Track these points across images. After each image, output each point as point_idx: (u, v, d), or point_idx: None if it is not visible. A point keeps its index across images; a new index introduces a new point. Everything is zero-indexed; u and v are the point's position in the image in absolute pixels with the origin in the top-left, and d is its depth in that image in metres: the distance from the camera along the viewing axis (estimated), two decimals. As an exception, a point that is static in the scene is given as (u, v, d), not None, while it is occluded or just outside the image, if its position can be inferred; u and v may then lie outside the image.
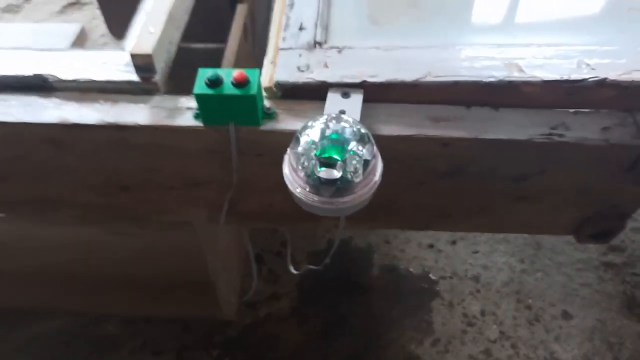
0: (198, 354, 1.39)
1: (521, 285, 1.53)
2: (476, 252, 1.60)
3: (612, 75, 0.76)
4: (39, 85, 0.84)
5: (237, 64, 1.26)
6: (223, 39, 1.82)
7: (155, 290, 1.32)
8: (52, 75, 0.83)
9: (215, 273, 1.21)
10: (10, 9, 2.44)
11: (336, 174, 0.64)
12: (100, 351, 1.39)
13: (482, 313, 1.48)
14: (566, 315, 1.47)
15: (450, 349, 1.41)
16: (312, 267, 1.05)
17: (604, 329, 1.44)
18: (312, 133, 0.66)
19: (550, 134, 0.76)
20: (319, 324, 1.45)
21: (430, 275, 1.56)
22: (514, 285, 1.53)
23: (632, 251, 1.58)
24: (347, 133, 0.66)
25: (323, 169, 0.65)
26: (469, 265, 1.58)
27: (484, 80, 0.76)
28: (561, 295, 1.51)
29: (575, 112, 0.78)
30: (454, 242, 1.62)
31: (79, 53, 0.87)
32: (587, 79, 0.75)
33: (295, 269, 1.29)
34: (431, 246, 1.62)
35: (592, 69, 0.76)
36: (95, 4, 2.28)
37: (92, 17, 2.34)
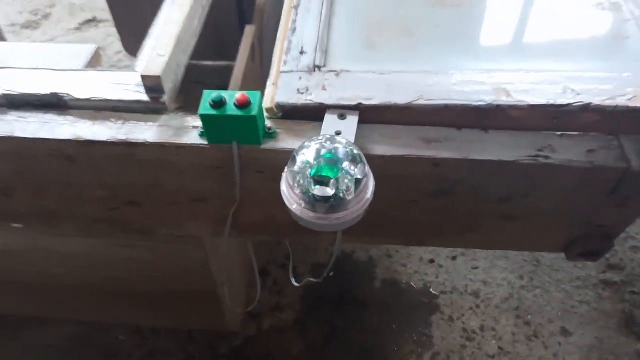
0: (202, 364, 1.43)
1: (520, 302, 1.55)
2: (476, 267, 1.63)
3: (597, 100, 0.79)
4: (54, 103, 0.89)
5: (244, 83, 1.31)
6: (232, 56, 1.88)
7: (162, 301, 1.36)
8: (67, 94, 0.88)
9: (221, 285, 1.25)
10: (29, 25, 2.53)
11: (329, 191, 0.69)
12: (108, 359, 1.43)
13: (482, 328, 1.50)
14: (565, 332, 1.48)
15: (448, 364, 1.43)
16: (312, 280, 1.09)
17: (602, 347, 1.45)
18: (307, 153, 0.70)
19: (537, 156, 0.79)
20: (321, 335, 1.48)
21: (431, 289, 1.58)
22: (513, 301, 1.55)
23: (631, 270, 1.59)
24: (341, 153, 0.70)
25: (317, 187, 0.69)
26: (469, 280, 1.60)
27: (474, 104, 0.80)
28: (560, 312, 1.52)
29: (561, 135, 0.82)
30: (454, 258, 1.65)
31: (93, 73, 0.93)
32: (572, 103, 0.79)
33: (298, 282, 1.33)
34: (432, 261, 1.64)
35: (577, 94, 0.80)
36: (111, 22, 2.37)
37: (108, 35, 2.43)
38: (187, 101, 0.96)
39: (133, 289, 1.31)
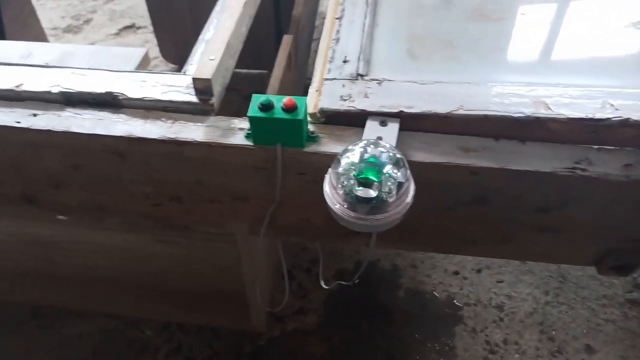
0: (227, 362, 1.46)
1: (545, 317, 1.54)
2: (501, 281, 1.63)
3: (635, 115, 0.81)
4: (109, 102, 0.94)
5: (280, 91, 1.35)
6: (265, 65, 1.94)
7: (192, 299, 1.40)
8: (121, 94, 0.93)
9: (250, 285, 1.28)
10: (71, 29, 2.63)
11: (372, 193, 0.72)
12: (138, 353, 1.47)
13: (505, 342, 1.50)
14: (589, 350, 1.48)
15: (471, 375, 1.44)
16: (342, 282, 1.11)
17: (627, 366, 1.44)
18: (352, 156, 0.74)
19: (574, 168, 0.81)
20: (344, 341, 1.50)
21: (455, 301, 1.59)
22: (537, 316, 1.55)
23: (659, 290, 1.58)
24: (384, 157, 0.73)
25: (360, 188, 0.72)
26: (493, 293, 1.60)
27: (513, 115, 0.83)
28: (585, 329, 1.52)
29: (598, 149, 0.83)
30: (479, 271, 1.66)
31: (145, 75, 0.97)
32: (610, 118, 0.81)
33: (327, 285, 1.35)
34: (457, 273, 1.65)
35: (616, 109, 0.82)
36: (149, 29, 2.45)
37: (145, 41, 2.51)
38: (222, 107, 1.01)
39: (166, 285, 1.35)
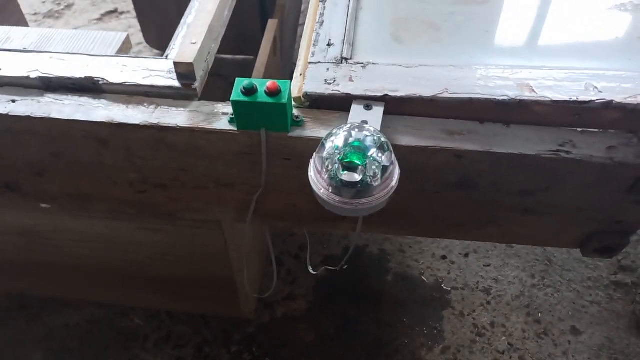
0: (217, 349, 1.46)
1: (531, 300, 1.56)
2: (488, 265, 1.64)
3: (618, 98, 0.81)
4: (89, 87, 0.92)
5: (266, 76, 1.34)
6: (250, 51, 1.91)
7: (180, 287, 1.39)
8: (102, 79, 0.92)
9: (238, 272, 1.28)
10: (52, 15, 2.58)
11: (357, 177, 0.71)
12: (126, 341, 1.47)
13: (492, 324, 1.52)
14: (575, 331, 1.50)
15: (459, 358, 1.45)
16: (329, 267, 1.11)
17: (612, 347, 1.46)
18: (336, 140, 0.73)
19: (558, 151, 0.81)
20: (332, 326, 1.51)
21: (443, 285, 1.60)
22: (524, 299, 1.56)
23: (643, 272, 1.60)
24: (368, 141, 0.73)
25: (345, 172, 0.71)
26: (480, 277, 1.62)
27: (497, 98, 0.82)
28: (570, 311, 1.54)
29: (582, 131, 0.84)
30: (466, 255, 1.67)
31: (126, 59, 0.96)
32: (594, 100, 0.81)
33: (315, 270, 1.35)
34: (444, 257, 1.66)
35: (600, 91, 0.82)
36: (132, 14, 2.41)
37: (129, 26, 2.47)
38: (207, 93, 0.99)
39: (153, 273, 1.34)
